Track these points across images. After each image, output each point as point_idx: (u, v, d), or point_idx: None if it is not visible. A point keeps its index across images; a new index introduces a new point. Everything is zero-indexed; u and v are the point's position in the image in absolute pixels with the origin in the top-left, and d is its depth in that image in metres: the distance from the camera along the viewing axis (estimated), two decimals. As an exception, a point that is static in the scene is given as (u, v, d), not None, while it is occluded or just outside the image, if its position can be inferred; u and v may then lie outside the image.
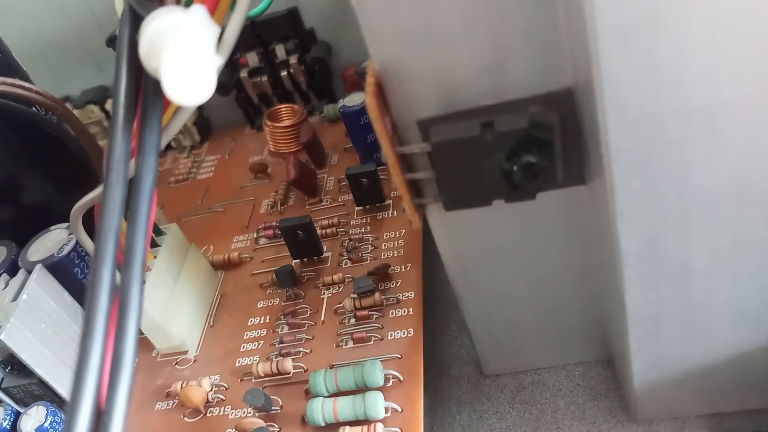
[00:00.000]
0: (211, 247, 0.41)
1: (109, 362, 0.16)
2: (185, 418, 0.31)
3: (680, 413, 0.29)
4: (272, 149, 0.43)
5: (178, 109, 0.21)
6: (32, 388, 0.32)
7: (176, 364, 0.34)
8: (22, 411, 0.31)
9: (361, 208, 0.39)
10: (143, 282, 0.18)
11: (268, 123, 0.42)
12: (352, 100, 0.39)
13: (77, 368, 0.16)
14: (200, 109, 0.51)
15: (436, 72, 0.22)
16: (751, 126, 0.19)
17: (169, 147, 0.52)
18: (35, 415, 0.31)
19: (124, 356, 0.16)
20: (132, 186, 0.19)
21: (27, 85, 0.34)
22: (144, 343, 0.35)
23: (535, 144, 0.22)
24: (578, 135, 0.23)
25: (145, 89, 0.20)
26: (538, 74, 0.22)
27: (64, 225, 0.34)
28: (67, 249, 0.33)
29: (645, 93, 0.19)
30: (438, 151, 0.23)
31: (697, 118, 0.19)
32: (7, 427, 0.31)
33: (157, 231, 0.35)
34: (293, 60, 0.46)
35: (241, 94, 0.48)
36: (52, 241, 0.35)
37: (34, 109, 0.36)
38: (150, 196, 0.19)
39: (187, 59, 0.17)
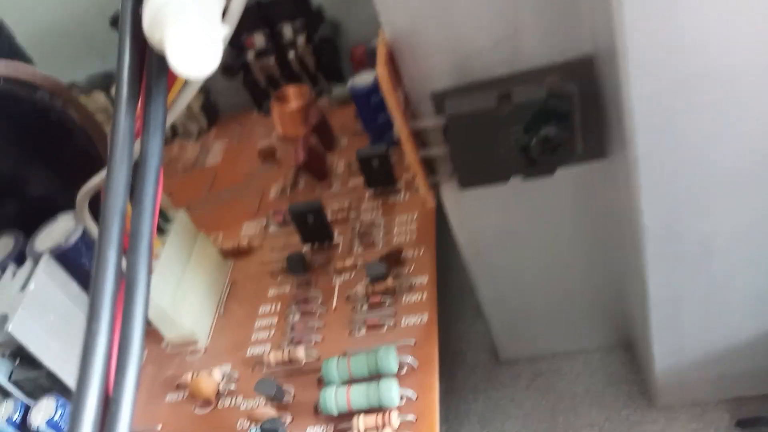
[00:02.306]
0: (221, 234, 0.40)
1: (117, 348, 0.16)
2: (196, 410, 0.31)
3: (701, 399, 0.28)
4: (281, 133, 0.42)
5: (183, 86, 0.21)
6: (41, 381, 0.31)
7: (186, 354, 0.34)
8: (31, 404, 0.31)
9: (372, 191, 0.38)
10: (150, 266, 0.17)
11: (276, 106, 0.41)
12: (362, 79, 0.38)
13: (83, 353, 0.15)
14: (207, 93, 0.50)
15: (449, 41, 0.21)
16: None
17: (176, 134, 0.51)
18: (45, 408, 0.31)
19: (132, 341, 0.16)
20: (137, 167, 0.18)
21: (30, 69, 0.33)
22: (153, 334, 0.34)
23: (553, 116, 0.21)
24: (599, 106, 0.22)
25: (149, 66, 0.19)
26: (556, 42, 0.21)
27: (71, 213, 0.34)
28: (74, 238, 0.33)
29: (670, 57, 0.18)
30: (453, 124, 0.22)
31: (723, 82, 0.18)
32: (18, 420, 0.30)
33: (165, 218, 0.34)
34: (300, 40, 0.45)
35: (248, 77, 0.47)
36: (59, 230, 0.35)
37: (37, 94, 0.35)
38: (156, 176, 0.18)
39: (192, 29, 0.16)
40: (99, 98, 0.48)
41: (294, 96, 0.41)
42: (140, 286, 0.16)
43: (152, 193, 0.18)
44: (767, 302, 0.24)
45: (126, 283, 0.16)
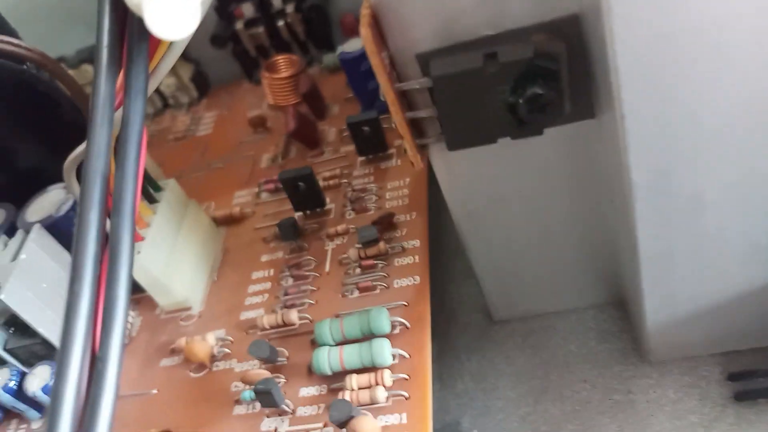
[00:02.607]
0: (213, 203, 0.40)
1: (102, 308, 0.16)
2: (191, 373, 0.31)
3: (693, 353, 0.28)
4: (271, 102, 0.42)
5: (166, 51, 0.21)
6: (36, 348, 0.32)
7: (180, 320, 0.34)
8: (27, 371, 0.31)
9: (363, 158, 0.38)
10: (134, 228, 0.17)
11: (266, 75, 0.40)
12: (351, 46, 0.38)
13: (66, 314, 0.15)
14: (197, 64, 0.50)
15: (433, 1, 0.21)
16: (766, 42, 0.18)
17: (167, 105, 0.51)
18: (40, 375, 0.31)
19: (117, 302, 0.16)
20: (120, 130, 0.18)
21: (15, 41, 0.33)
22: (147, 301, 0.34)
23: (540, 75, 0.21)
24: (586, 64, 0.22)
25: (130, 30, 0.19)
26: (542, 0, 0.21)
27: (62, 185, 0.34)
28: (65, 209, 0.33)
29: (654, 10, 0.18)
30: (439, 86, 0.22)
31: (709, 34, 0.18)
32: (14, 387, 0.31)
33: (156, 187, 0.34)
34: (290, 9, 0.45)
35: (237, 47, 0.47)
36: (50, 201, 0.35)
37: (25, 66, 0.35)
38: (138, 139, 0.18)
39: (168, -11, 0.16)
40: (88, 71, 0.48)
41: (284, 65, 0.40)
42: (124, 248, 0.17)
43: (134, 156, 0.18)
44: (759, 256, 0.24)
45: (110, 245, 0.17)
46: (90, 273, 0.16)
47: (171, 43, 0.20)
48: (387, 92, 0.22)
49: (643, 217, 0.23)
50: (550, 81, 0.21)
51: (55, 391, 0.14)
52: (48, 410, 0.14)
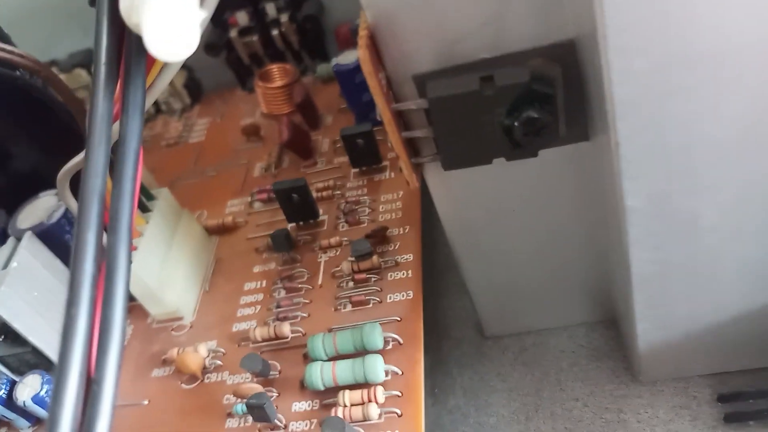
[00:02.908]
0: (205, 211, 0.40)
1: (98, 330, 0.16)
2: (182, 385, 0.31)
3: (685, 374, 0.28)
4: (265, 111, 0.42)
5: (163, 67, 0.20)
6: (27, 357, 0.31)
7: (172, 330, 0.34)
8: (17, 380, 0.31)
9: (357, 170, 0.38)
10: (131, 247, 0.17)
11: (260, 84, 0.40)
12: (346, 58, 0.38)
13: (63, 338, 0.15)
14: (190, 71, 0.50)
15: (432, 24, 0.21)
16: (761, 74, 0.18)
17: (159, 110, 0.51)
18: (31, 384, 0.31)
19: (113, 323, 0.16)
20: (117, 147, 0.18)
21: (8, 47, 0.32)
22: (139, 310, 0.34)
23: (536, 98, 0.21)
24: (582, 89, 0.22)
25: (128, 47, 0.19)
26: (539, 26, 0.21)
27: (54, 191, 0.34)
28: (57, 215, 0.33)
29: (650, 41, 0.18)
30: (435, 107, 0.22)
31: (705, 65, 0.18)
32: (3, 396, 0.30)
33: (148, 196, 0.34)
34: (284, 18, 0.45)
35: (231, 55, 0.47)
36: (42, 208, 0.34)
37: (17, 72, 0.35)
38: (136, 158, 0.18)
39: (169, 13, 0.16)
40: (81, 75, 0.48)
41: (278, 74, 0.40)
42: (121, 268, 0.16)
43: (132, 175, 0.18)
44: (751, 279, 0.24)
45: (107, 265, 0.17)
46: (87, 294, 0.16)
47: (169, 61, 0.20)
48: (384, 112, 0.22)
49: (636, 240, 0.23)
50: (545, 104, 0.21)
51: (51, 414, 0.14)
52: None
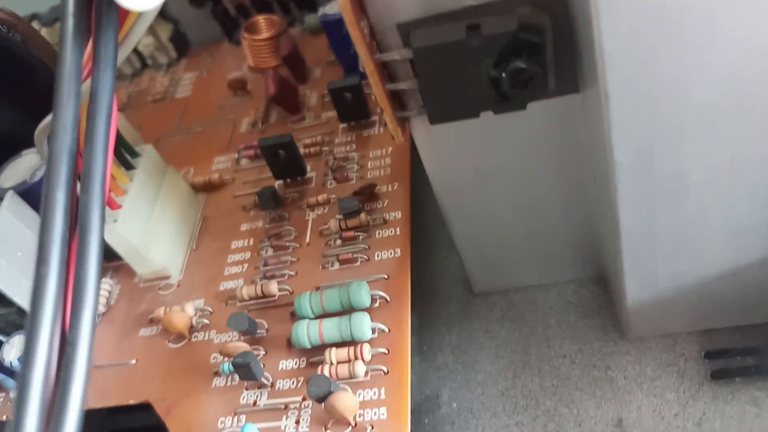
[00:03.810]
0: (192, 168, 0.39)
1: (71, 291, 0.15)
2: (170, 344, 0.31)
3: (672, 330, 0.28)
4: (251, 64, 0.41)
5: (135, 20, 0.20)
6: (12, 318, 0.31)
7: (159, 289, 0.33)
8: (3, 340, 0.31)
9: (345, 125, 0.37)
10: (104, 206, 0.16)
11: (246, 36, 0.39)
12: (333, 7, 0.37)
13: (32, 298, 0.15)
14: (176, 23, 0.48)
15: (416, -31, 0.20)
16: (756, 26, 0.18)
17: (145, 65, 0.49)
18: (17, 344, 0.31)
19: (87, 283, 0.15)
20: (89, 103, 0.18)
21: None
22: (126, 269, 0.34)
23: (524, 48, 0.20)
24: (572, 39, 0.21)
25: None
26: (528, -29, 0.20)
27: (35, 149, 0.33)
28: (39, 174, 0.32)
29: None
30: (420, 57, 0.21)
31: (697, 13, 0.17)
32: (-10, 356, 0.30)
33: (132, 153, 0.33)
34: (271, -33, 0.44)
35: (217, 6, 0.46)
36: (24, 166, 0.34)
37: (-5, 26, 0.34)
38: (108, 112, 0.18)
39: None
40: (62, 28, 0.47)
41: (265, 26, 0.39)
42: (94, 227, 0.16)
43: (104, 131, 0.17)
44: (740, 236, 0.24)
45: (79, 224, 0.16)
46: (57, 254, 0.15)
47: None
48: (366, 63, 0.21)
49: (625, 197, 0.22)
50: (534, 54, 0.21)
51: (21, 377, 0.14)
52: (15, 399, 0.14)
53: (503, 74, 0.21)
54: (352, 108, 0.36)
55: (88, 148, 0.17)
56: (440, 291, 0.34)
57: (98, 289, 0.16)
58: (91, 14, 0.18)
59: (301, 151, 0.36)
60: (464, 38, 0.20)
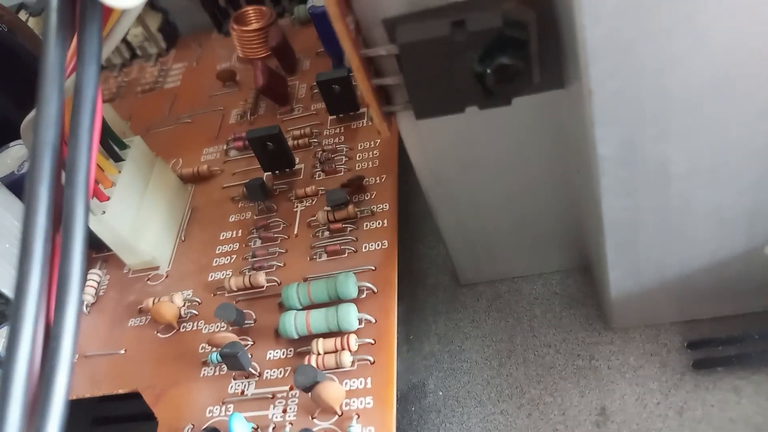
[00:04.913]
0: (180, 159, 0.39)
1: (55, 285, 0.16)
2: (158, 334, 0.31)
3: (655, 321, 0.29)
4: (240, 55, 0.41)
5: (120, 16, 0.20)
6: (1, 308, 0.31)
7: (148, 279, 0.34)
8: (-8, 330, 0.31)
9: (334, 117, 0.37)
10: (88, 201, 0.17)
11: (235, 27, 0.39)
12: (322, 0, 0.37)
13: (16, 293, 0.15)
14: (165, 14, 0.48)
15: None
16: (738, 17, 0.18)
17: (135, 55, 0.49)
18: (5, 335, 0.31)
19: (71, 278, 0.16)
20: (74, 98, 0.18)
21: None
22: (115, 260, 0.34)
23: (509, 44, 0.21)
24: (556, 34, 0.21)
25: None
26: (513, -33, 0.20)
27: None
28: (27, 165, 0.32)
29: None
30: (406, 53, 0.21)
31: (681, 7, 0.18)
32: (-21, 346, 0.31)
33: (121, 144, 0.33)
34: (260, -42, 0.43)
35: (206, -4, 0.46)
36: (12, 157, 0.34)
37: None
38: (92, 107, 0.18)
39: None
40: (51, 17, 0.46)
41: (254, 17, 0.39)
42: (78, 222, 0.16)
43: (88, 125, 0.17)
44: (722, 228, 0.24)
45: (63, 219, 0.16)
46: (40, 250, 0.15)
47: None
48: (352, 58, 0.21)
49: (608, 189, 0.23)
50: (518, 50, 0.21)
51: (5, 372, 0.14)
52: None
53: (488, 70, 0.21)
54: (341, 100, 0.36)
55: (72, 141, 0.17)
56: (427, 280, 0.34)
57: (83, 284, 0.16)
58: (75, 9, 0.18)
59: (290, 142, 0.36)
60: (449, 34, 0.20)
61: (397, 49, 0.21)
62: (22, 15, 0.45)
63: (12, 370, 0.14)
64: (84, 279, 0.16)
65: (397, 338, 0.28)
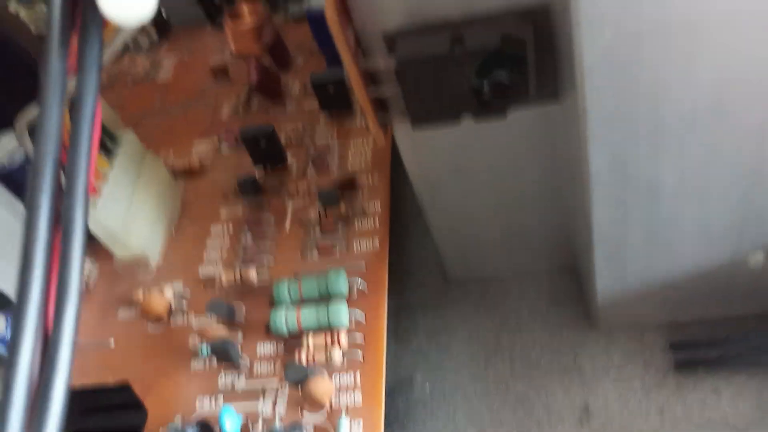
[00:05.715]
0: (171, 152, 0.39)
1: (54, 293, 0.16)
2: (149, 325, 0.31)
3: (639, 322, 0.29)
4: (234, 50, 0.41)
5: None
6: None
7: (138, 272, 0.34)
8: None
9: (327, 115, 0.37)
10: (87, 208, 0.17)
11: (230, 23, 0.39)
12: (319, 1, 0.37)
13: (18, 302, 0.15)
14: (158, 6, 0.48)
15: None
16: (732, 44, 0.18)
17: (126, 48, 0.49)
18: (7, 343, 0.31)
19: (70, 287, 0.16)
20: (73, 107, 0.18)
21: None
22: (105, 251, 0.34)
23: (507, 60, 0.21)
24: (552, 52, 0.22)
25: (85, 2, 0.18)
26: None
27: (13, 132, 0.33)
28: (18, 159, 0.32)
29: (623, 9, 0.17)
30: (404, 68, 0.21)
31: (677, 35, 0.18)
32: (-30, 337, 0.31)
33: (112, 138, 0.33)
34: (254, -49, 0.43)
35: (200, -10, 0.45)
36: (2, 149, 0.34)
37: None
38: (92, 117, 0.18)
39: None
40: (44, 11, 0.46)
41: (248, 13, 0.39)
42: (77, 230, 0.16)
43: (87, 134, 0.17)
44: (711, 237, 0.25)
45: (62, 227, 0.16)
46: (41, 259, 0.16)
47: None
48: (350, 70, 0.21)
49: (599, 200, 0.23)
50: (516, 66, 0.21)
51: (6, 379, 0.15)
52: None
53: (485, 84, 0.21)
54: (335, 100, 0.36)
55: (73, 151, 0.17)
56: (416, 277, 0.35)
57: (81, 292, 0.16)
58: (75, 21, 0.18)
59: (282, 139, 0.36)
60: (448, 51, 0.21)
61: (396, 63, 0.21)
62: (13, 5, 0.45)
63: (13, 375, 0.14)
64: (82, 284, 0.16)
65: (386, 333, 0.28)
